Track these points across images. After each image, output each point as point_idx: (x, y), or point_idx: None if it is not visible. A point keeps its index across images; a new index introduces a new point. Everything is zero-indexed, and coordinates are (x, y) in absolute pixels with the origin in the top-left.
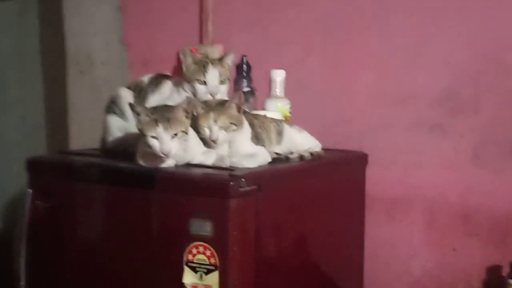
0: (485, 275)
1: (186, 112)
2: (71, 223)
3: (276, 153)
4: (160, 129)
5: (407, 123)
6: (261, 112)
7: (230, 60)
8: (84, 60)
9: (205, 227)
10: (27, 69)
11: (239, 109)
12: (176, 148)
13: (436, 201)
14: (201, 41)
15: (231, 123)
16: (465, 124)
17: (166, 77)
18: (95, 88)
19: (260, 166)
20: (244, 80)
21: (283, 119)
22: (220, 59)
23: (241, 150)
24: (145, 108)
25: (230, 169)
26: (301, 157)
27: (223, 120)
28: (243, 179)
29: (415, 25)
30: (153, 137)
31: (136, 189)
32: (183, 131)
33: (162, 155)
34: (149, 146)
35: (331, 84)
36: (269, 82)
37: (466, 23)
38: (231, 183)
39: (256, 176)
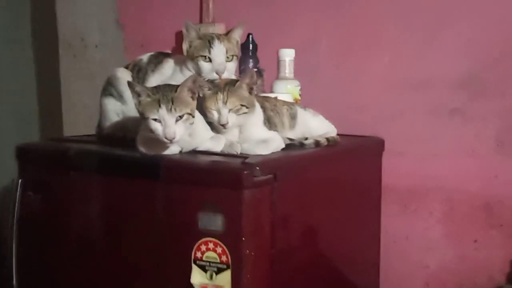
0: (508, 268)
1: (192, 92)
2: (66, 216)
3: (289, 139)
4: (162, 111)
5: (424, 108)
6: (270, 95)
7: (238, 35)
8: (77, 43)
9: (215, 221)
10: (19, 53)
11: (250, 90)
12: (181, 132)
13: (456, 191)
14: (201, 20)
15: (242, 105)
16: (487, 109)
17: (168, 55)
18: (89, 72)
19: (273, 153)
20: (250, 60)
21: (294, 102)
22: (227, 34)
23: (253, 135)
24: (146, 87)
25: (242, 156)
26: (317, 143)
27: (233, 102)
28: (257, 168)
29: (434, 4)
30: (155, 120)
31: (136, 180)
32: (188, 113)
33: (166, 140)
34: (151, 131)
35: (342, 67)
36: (277, 62)
37: (488, 2)
38: (245, 172)
39: (271, 164)
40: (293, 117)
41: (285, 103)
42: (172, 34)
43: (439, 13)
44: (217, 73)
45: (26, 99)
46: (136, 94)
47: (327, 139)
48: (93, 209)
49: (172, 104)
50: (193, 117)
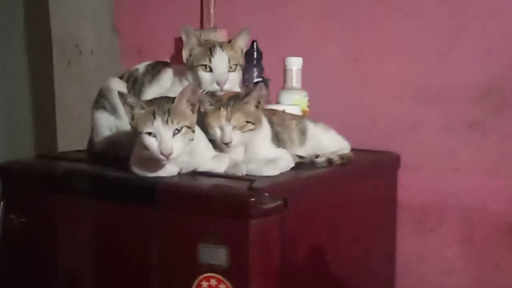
0: None
1: (192, 103)
2: (51, 244)
3: (299, 157)
4: (158, 123)
5: (441, 121)
6: (276, 106)
7: (243, 42)
8: (71, 49)
9: (219, 255)
10: (12, 60)
11: (258, 104)
12: (180, 148)
13: (476, 210)
14: (202, 25)
15: (248, 122)
16: (510, 122)
17: (166, 64)
18: (84, 80)
19: (282, 174)
20: (255, 69)
21: (302, 114)
22: (231, 41)
23: (260, 154)
24: (139, 99)
25: (248, 179)
26: (330, 161)
27: (238, 118)
28: (265, 193)
29: (452, 7)
30: (149, 133)
31: (129, 206)
32: (187, 127)
33: (162, 157)
34: (145, 147)
35: (351, 76)
36: (283, 71)
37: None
38: (251, 198)
39: (281, 188)
40: (302, 132)
41: (293, 116)
42: (171, 40)
43: (458, 17)
44: (218, 84)
45: (19, 108)
46: (129, 107)
47: (341, 156)
48: (81, 237)
49: (169, 115)
50: (193, 131)
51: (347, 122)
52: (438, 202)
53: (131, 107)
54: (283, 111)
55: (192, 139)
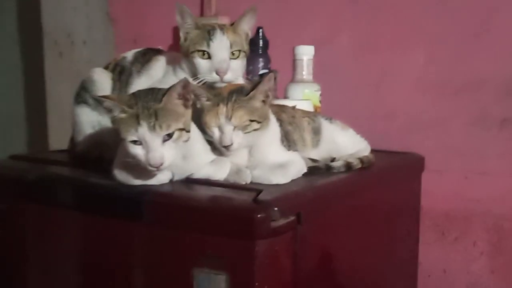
0: None
1: (184, 98)
2: (24, 259)
3: (312, 160)
4: (143, 129)
5: (468, 117)
6: (284, 102)
7: (248, 25)
8: (63, 40)
9: (217, 283)
10: (0, 51)
11: (266, 98)
12: (171, 156)
13: (506, 217)
14: (202, 13)
15: (252, 121)
16: None
17: (158, 52)
18: (77, 72)
19: (294, 182)
20: (260, 59)
21: (314, 111)
22: (233, 24)
23: (267, 158)
24: (119, 98)
25: (254, 188)
26: (348, 165)
27: (240, 116)
28: (275, 208)
29: None
30: (134, 142)
31: (112, 218)
32: (180, 129)
33: (151, 168)
34: (131, 156)
35: (367, 69)
36: (292, 61)
37: None
38: (258, 214)
39: (294, 200)
40: (316, 131)
41: (305, 113)
42: (169, 29)
43: (488, 5)
44: (217, 73)
45: (9, 102)
46: (107, 110)
47: (361, 159)
48: (56, 254)
49: (156, 119)
50: (188, 131)
51: (362, 119)
52: (464, 208)
53: (111, 111)
54: (293, 107)
55: (187, 140)
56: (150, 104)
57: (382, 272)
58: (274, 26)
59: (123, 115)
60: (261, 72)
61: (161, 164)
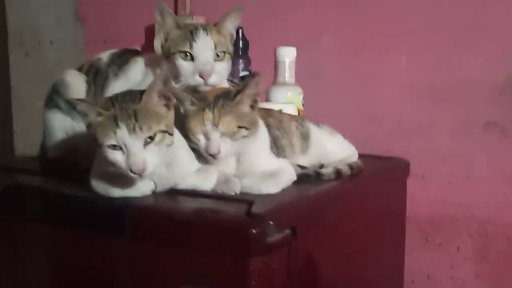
0: None
1: (165, 97)
2: None
3: (301, 166)
4: (122, 132)
5: (453, 121)
6: (270, 106)
7: (232, 24)
8: (29, 39)
9: None
10: None
11: (254, 103)
12: (155, 160)
13: (491, 222)
14: (176, 11)
15: (240, 127)
16: None
17: (135, 53)
18: (44, 73)
19: (285, 191)
20: (241, 61)
21: (303, 116)
22: (217, 24)
23: (256, 166)
24: (94, 102)
25: (244, 199)
26: (338, 172)
27: (228, 123)
28: (270, 222)
29: None
30: (113, 146)
31: (89, 233)
32: (162, 131)
33: (132, 175)
34: (110, 163)
35: (351, 72)
36: (274, 63)
37: None
38: (253, 230)
39: (288, 213)
40: (305, 137)
41: (292, 118)
42: (141, 29)
43: (473, 7)
44: (201, 76)
45: None
46: (82, 115)
47: (350, 166)
48: (27, 273)
49: (136, 120)
50: (170, 134)
51: (345, 123)
52: (449, 213)
53: (85, 115)
54: (280, 111)
55: (171, 144)
56: (128, 105)
57: (369, 280)
58: (254, 27)
59: (99, 119)
60: (241, 74)
61: (144, 170)
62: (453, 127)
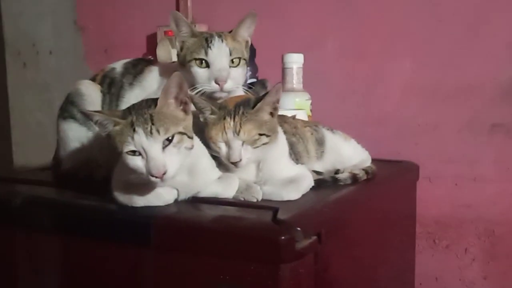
0: None
1: (182, 102)
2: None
3: (317, 172)
4: (139, 137)
5: (458, 123)
6: (284, 112)
7: (247, 31)
8: (27, 49)
9: None
10: None
11: (273, 110)
12: (175, 163)
13: (498, 223)
14: None
15: (261, 135)
16: None
17: (150, 62)
18: (43, 84)
19: (306, 198)
20: (248, 68)
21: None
22: (232, 31)
23: (277, 173)
24: (110, 113)
25: (268, 206)
26: (354, 177)
27: (249, 131)
28: (298, 228)
29: None
30: (131, 152)
31: (111, 244)
32: (180, 133)
33: (154, 179)
34: (131, 170)
35: (355, 75)
36: (282, 70)
37: None
38: (282, 236)
39: (314, 219)
40: (320, 142)
41: (305, 123)
42: (142, 38)
43: (478, 7)
44: (216, 82)
45: None
46: (100, 126)
47: (366, 171)
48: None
49: (152, 123)
50: (190, 137)
51: (350, 127)
52: (456, 215)
53: (103, 126)
54: (293, 117)
55: (191, 148)
56: (144, 110)
57: (383, 283)
58: (260, 34)
59: (117, 128)
60: (249, 81)
61: (165, 173)
62: (458, 129)
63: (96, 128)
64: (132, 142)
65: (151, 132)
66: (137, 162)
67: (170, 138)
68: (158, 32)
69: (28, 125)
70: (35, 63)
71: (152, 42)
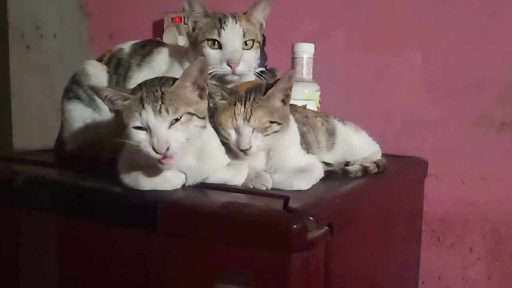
0: None
1: (199, 87)
2: (11, 271)
3: (326, 164)
4: (147, 114)
5: (467, 120)
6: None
7: (262, 14)
8: (31, 32)
9: None
10: None
11: (285, 97)
12: (180, 140)
13: (504, 222)
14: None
15: (273, 122)
16: None
17: (159, 44)
18: (45, 67)
19: (316, 188)
20: None
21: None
22: (246, 12)
23: (287, 162)
24: (119, 89)
25: (278, 195)
26: (365, 170)
27: (260, 118)
28: (310, 217)
29: None
30: (137, 128)
31: (116, 228)
32: (190, 113)
33: (155, 155)
34: (135, 146)
35: (363, 68)
36: (291, 60)
37: None
38: (294, 225)
39: (326, 209)
40: (331, 133)
41: (316, 113)
42: (148, 24)
43: (489, 3)
44: (228, 64)
45: None
46: (109, 102)
47: (376, 164)
48: (55, 267)
49: (162, 102)
50: (202, 118)
51: (357, 120)
52: (461, 213)
53: (111, 102)
54: (304, 107)
55: (204, 127)
56: (156, 87)
57: (389, 279)
58: (270, 23)
59: (126, 102)
60: (257, 70)
61: (167, 150)
62: (467, 126)
63: (100, 109)
64: (139, 118)
65: (160, 111)
66: (140, 136)
67: (178, 118)
68: (165, 18)
69: (28, 108)
70: (38, 46)
71: (158, 29)
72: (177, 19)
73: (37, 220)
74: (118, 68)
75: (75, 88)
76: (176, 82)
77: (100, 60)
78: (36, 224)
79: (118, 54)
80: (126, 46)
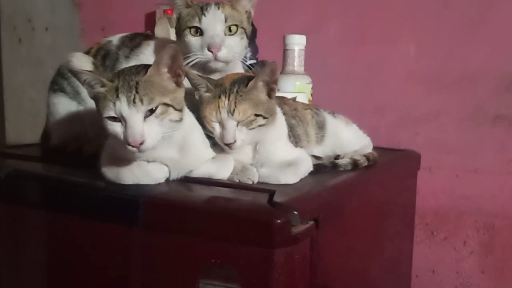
0: None
1: (175, 73)
2: None
3: (316, 157)
4: (121, 104)
5: (460, 113)
6: (285, 94)
7: (249, 2)
8: (22, 25)
9: None
10: None
11: (270, 91)
12: (155, 133)
13: (497, 215)
14: None
15: (258, 115)
16: None
17: (147, 37)
18: (38, 60)
19: (304, 182)
20: (248, 49)
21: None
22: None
23: (274, 155)
24: (99, 74)
25: (263, 189)
26: (355, 163)
27: (244, 110)
28: (295, 212)
29: None
30: (112, 118)
31: (98, 223)
32: (166, 104)
33: (130, 148)
34: (116, 142)
35: (356, 61)
36: (283, 51)
37: None
38: (277, 219)
39: (312, 204)
40: (320, 126)
41: (306, 106)
42: (141, 16)
43: None
44: (209, 49)
45: None
46: (88, 86)
47: (367, 157)
48: (37, 263)
49: (137, 92)
50: (178, 110)
51: (350, 113)
52: (455, 206)
53: (90, 86)
54: (294, 99)
55: (179, 121)
56: (132, 76)
57: (381, 273)
58: (261, 15)
59: (102, 89)
60: (248, 62)
61: (142, 143)
62: (461, 119)
63: (87, 90)
64: (113, 108)
65: (134, 101)
66: (116, 128)
67: (153, 108)
68: (157, 10)
69: (21, 102)
70: (31, 39)
71: (150, 21)
72: (169, 11)
73: (18, 214)
74: (106, 60)
75: (60, 80)
76: (149, 71)
77: (87, 52)
78: (17, 218)
79: (106, 46)
80: (115, 39)
